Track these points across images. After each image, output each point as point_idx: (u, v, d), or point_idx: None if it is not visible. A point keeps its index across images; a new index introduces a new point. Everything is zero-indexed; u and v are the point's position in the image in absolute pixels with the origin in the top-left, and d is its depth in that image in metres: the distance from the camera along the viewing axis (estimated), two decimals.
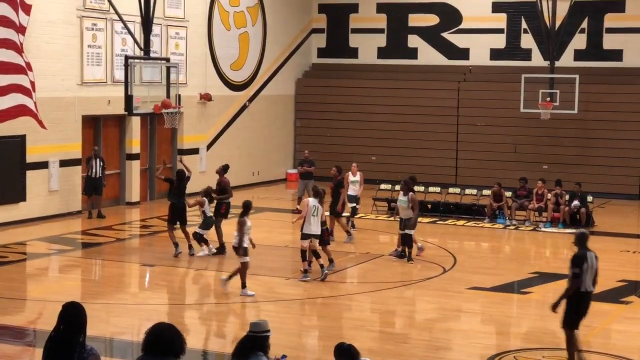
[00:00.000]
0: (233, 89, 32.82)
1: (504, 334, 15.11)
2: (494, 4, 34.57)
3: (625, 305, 16.56)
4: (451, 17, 35.17)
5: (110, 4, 23.81)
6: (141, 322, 14.64)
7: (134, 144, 28.05)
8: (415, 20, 35.74)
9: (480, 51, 34.82)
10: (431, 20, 35.48)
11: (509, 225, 25.87)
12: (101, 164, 25.29)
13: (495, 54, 34.67)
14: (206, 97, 30.81)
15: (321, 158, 31.60)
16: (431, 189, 28.45)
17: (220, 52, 31.84)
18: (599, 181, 31.25)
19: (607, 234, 24.60)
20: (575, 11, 32.35)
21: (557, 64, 31.82)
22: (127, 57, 21.54)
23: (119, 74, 25.78)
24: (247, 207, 17.09)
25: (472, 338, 14.32)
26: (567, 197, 26.24)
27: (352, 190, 23.76)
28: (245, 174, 32.83)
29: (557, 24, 31.44)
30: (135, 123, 27.78)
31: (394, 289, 17.47)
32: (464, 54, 35.10)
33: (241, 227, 16.66)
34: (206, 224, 20.42)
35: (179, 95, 22.33)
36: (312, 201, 18.04)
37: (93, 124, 26.92)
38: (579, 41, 33.44)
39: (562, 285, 17.73)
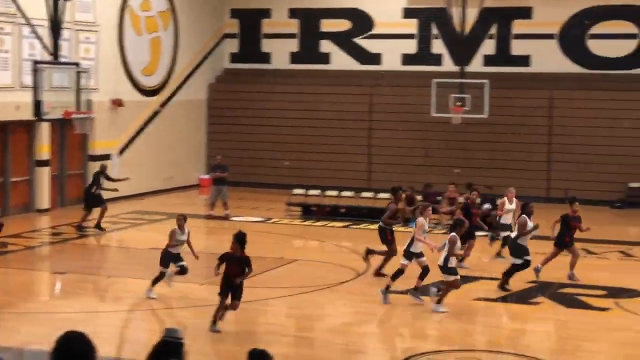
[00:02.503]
0: (145, 94, 32.52)
1: (417, 336, 15.25)
2: (405, 9, 34.91)
3: (534, 306, 16.86)
4: (363, 23, 35.41)
5: (18, 7, 23.39)
6: (52, 330, 14.38)
7: (44, 150, 27.59)
8: (328, 25, 35.89)
9: (392, 56, 35.11)
10: (343, 25, 35.67)
11: None
12: None
13: (406, 59, 35.00)
14: (117, 103, 30.47)
15: (234, 163, 31.49)
16: (344, 193, 28.63)
17: (132, 57, 31.53)
18: (508, 184, 31.68)
19: None
20: (484, 17, 32.88)
21: (467, 69, 32.27)
22: (35, 62, 21.19)
23: (28, 79, 25.33)
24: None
25: (386, 341, 14.42)
26: (478, 200, 26.56)
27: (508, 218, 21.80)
28: (158, 180, 32.55)
29: (467, 29, 31.91)
30: (45, 129, 27.33)
31: (309, 294, 17.50)
32: (376, 59, 35.36)
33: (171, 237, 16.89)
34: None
35: (90, 101, 22.04)
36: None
37: (0, 130, 26.41)
38: (489, 47, 33.99)
39: (473, 286, 17.99)
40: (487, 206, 26.36)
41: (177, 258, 17.02)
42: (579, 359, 13.82)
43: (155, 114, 33.12)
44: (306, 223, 26.55)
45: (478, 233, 21.07)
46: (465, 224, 16.94)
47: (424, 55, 34.75)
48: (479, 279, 18.99)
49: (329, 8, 35.82)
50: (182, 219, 17.19)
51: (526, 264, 17.86)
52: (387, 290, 16.69)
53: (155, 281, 16.72)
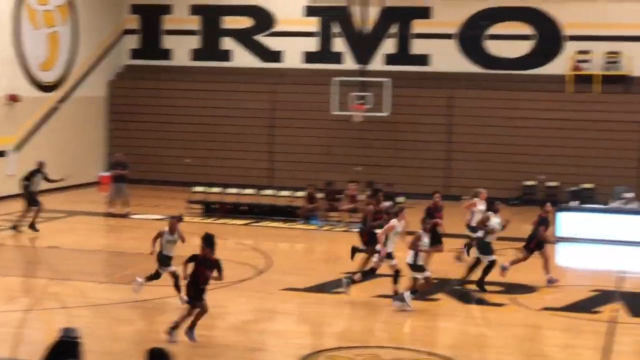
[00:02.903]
0: (43, 90, 31.91)
1: (318, 333, 15.31)
2: (306, 7, 34.99)
3: (434, 303, 17.08)
4: (264, 20, 35.37)
5: None
6: None
7: None
8: (229, 22, 35.77)
9: (293, 54, 35.16)
10: (245, 22, 35.59)
11: (322, 226, 26.24)
12: None
13: (308, 57, 35.09)
14: (13, 98, 29.84)
15: (135, 161, 31.12)
16: (246, 191, 28.59)
17: (29, 52, 30.90)
18: (408, 182, 32.08)
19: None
20: (385, 16, 33.20)
21: (368, 67, 32.55)
22: None
23: None
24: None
25: (287, 338, 14.44)
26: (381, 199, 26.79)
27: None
28: (57, 177, 31.93)
29: (368, 28, 32.16)
30: None
31: (209, 292, 17.39)
32: (277, 56, 35.37)
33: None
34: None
35: None
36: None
37: None
38: (389, 46, 34.30)
39: (376, 283, 18.14)
40: (387, 204, 26.54)
41: (170, 260, 16.28)
42: (477, 354, 14.04)
43: (54, 110, 32.54)
44: (207, 221, 26.40)
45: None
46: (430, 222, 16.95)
47: (325, 53, 34.89)
48: (382, 276, 19.15)
49: (231, 5, 35.69)
50: (175, 221, 16.46)
51: (492, 263, 17.91)
52: (351, 281, 16.81)
53: (150, 278, 16.38)
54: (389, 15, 33.54)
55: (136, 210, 27.26)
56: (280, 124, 34.37)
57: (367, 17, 32.49)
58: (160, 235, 16.26)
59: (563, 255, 23.46)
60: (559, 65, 33.06)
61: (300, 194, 27.84)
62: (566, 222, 24.99)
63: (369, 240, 18.21)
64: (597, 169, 31.78)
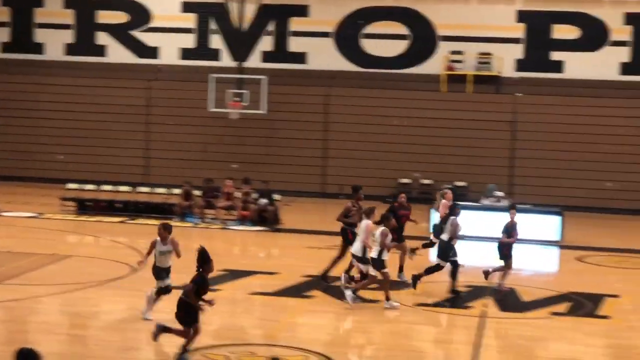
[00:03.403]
0: None
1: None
2: (183, 3, 34.73)
3: (309, 299, 17.16)
4: (141, 15, 34.97)
5: None
6: None
7: None
8: (104, 17, 35.22)
9: (169, 50, 34.85)
10: (120, 17, 35.10)
11: (198, 224, 26.09)
12: None
13: (185, 53, 34.83)
14: None
15: (4, 157, 30.46)
16: (121, 188, 28.19)
17: None
18: (285, 179, 32.19)
19: (294, 230, 25.41)
20: (262, 14, 33.21)
21: (246, 64, 32.50)
22: None
23: None
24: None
25: (161, 337, 14.29)
26: (255, 195, 26.83)
27: None
28: None
29: (246, 25, 32.11)
30: None
31: (83, 290, 17.10)
32: (153, 52, 34.99)
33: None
34: None
35: None
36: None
37: None
38: (267, 43, 34.32)
39: (249, 280, 18.12)
40: (263, 201, 26.59)
41: (166, 273, 15.15)
42: (353, 351, 14.16)
43: None
44: (81, 218, 25.94)
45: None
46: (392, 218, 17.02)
47: (202, 50, 34.69)
48: (256, 273, 19.15)
49: None
50: (161, 228, 15.08)
51: (455, 264, 17.92)
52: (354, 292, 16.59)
53: (155, 298, 15.25)
54: (266, 12, 33.56)
55: (7, 207, 26.57)
56: (156, 120, 34.04)
57: (245, 14, 32.39)
58: (153, 245, 15.06)
59: (435, 252, 23.83)
60: (434, 65, 33.67)
61: (176, 191, 27.60)
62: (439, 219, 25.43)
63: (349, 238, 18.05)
64: (469, 167, 32.51)
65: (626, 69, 32.97)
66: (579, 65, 32.98)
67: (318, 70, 33.93)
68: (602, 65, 32.87)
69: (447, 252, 17.97)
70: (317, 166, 33.49)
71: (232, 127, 32.65)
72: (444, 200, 20.60)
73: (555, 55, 33.27)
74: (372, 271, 16.48)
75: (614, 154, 32.21)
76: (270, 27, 34.35)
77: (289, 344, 13.93)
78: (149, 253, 15.14)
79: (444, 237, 18.24)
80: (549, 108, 32.75)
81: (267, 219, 26.16)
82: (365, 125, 33.26)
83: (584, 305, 17.41)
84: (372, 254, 16.47)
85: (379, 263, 16.39)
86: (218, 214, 26.63)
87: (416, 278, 17.97)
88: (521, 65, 33.42)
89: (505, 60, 33.29)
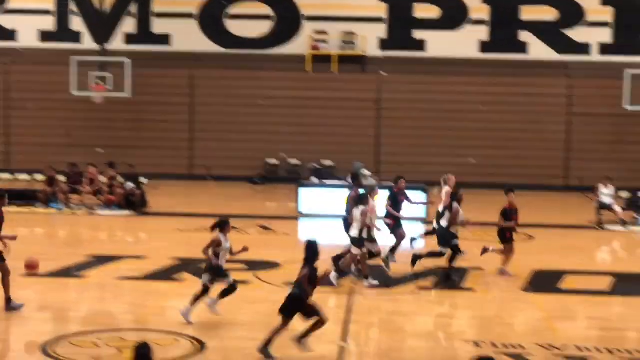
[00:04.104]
0: None
1: (61, 319, 14.93)
2: None
3: (178, 283, 17.08)
4: None
5: None
6: None
7: None
8: None
9: (28, 33, 33.97)
10: None
11: (63, 210, 25.60)
12: None
13: (44, 36, 34.01)
14: None
15: None
16: None
17: None
18: (151, 163, 31.84)
19: (161, 214, 25.20)
20: None
21: (108, 47, 31.97)
22: None
23: None
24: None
25: (27, 326, 14.02)
26: (121, 179, 26.49)
27: None
28: None
29: (107, 7, 31.57)
30: None
31: None
32: (11, 35, 34.06)
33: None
34: None
35: None
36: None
37: None
38: (130, 25, 33.81)
39: (117, 265, 17.91)
40: (130, 185, 26.27)
41: (223, 272, 14.35)
42: (225, 333, 14.16)
43: None
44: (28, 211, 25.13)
45: None
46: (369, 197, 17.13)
47: (62, 32, 33.93)
48: (124, 258, 18.96)
49: None
50: (229, 224, 14.37)
51: (456, 249, 17.77)
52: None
53: (197, 298, 14.34)
54: None
55: None
56: (17, 105, 33.22)
57: None
58: (217, 243, 14.12)
59: (304, 231, 24.06)
60: (299, 45, 33.79)
61: (40, 177, 27.00)
62: (307, 199, 25.71)
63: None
64: (336, 146, 32.80)
65: (485, 46, 33.74)
66: (440, 44, 33.58)
67: (183, 52, 33.61)
68: (462, 43, 33.56)
69: (447, 238, 17.91)
70: (183, 149, 33.24)
71: (96, 110, 32.08)
72: (446, 187, 19.02)
73: (418, 34, 33.79)
74: (354, 250, 16.89)
75: (476, 131, 32.99)
76: (133, 8, 33.83)
77: (159, 328, 13.85)
78: (208, 249, 14.12)
79: (443, 223, 18.10)
80: (413, 86, 33.28)
81: (134, 203, 25.85)
82: (232, 107, 33.17)
83: (449, 278, 17.82)
84: (352, 232, 16.90)
85: (358, 241, 16.77)
86: (84, 199, 26.18)
87: (416, 258, 18.06)
88: (385, 44, 33.82)
89: (369, 40, 33.64)
